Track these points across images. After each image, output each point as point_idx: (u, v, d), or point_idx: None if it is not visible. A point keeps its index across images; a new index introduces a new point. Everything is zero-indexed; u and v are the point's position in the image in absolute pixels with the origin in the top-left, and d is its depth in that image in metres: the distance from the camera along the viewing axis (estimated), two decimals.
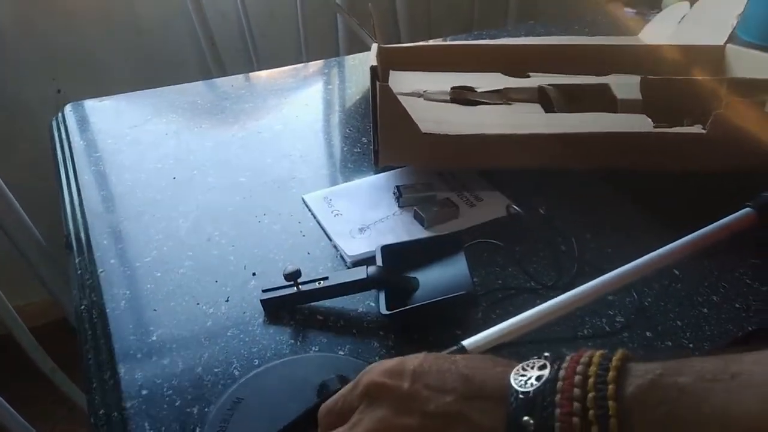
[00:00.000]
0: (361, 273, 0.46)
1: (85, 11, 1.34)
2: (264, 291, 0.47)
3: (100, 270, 0.52)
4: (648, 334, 0.45)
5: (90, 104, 0.84)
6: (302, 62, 1.13)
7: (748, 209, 0.46)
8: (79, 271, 0.54)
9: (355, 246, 0.53)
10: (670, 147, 0.56)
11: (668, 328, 0.45)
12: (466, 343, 0.37)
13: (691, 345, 0.44)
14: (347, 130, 0.78)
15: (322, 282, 0.46)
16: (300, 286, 0.46)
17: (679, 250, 0.44)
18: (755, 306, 0.47)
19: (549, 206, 0.58)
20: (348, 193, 0.62)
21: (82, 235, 0.57)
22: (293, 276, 0.45)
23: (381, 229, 0.56)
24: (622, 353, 0.26)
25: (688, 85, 0.66)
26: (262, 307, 0.47)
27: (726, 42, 0.75)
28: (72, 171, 0.67)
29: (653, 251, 0.44)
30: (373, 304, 0.47)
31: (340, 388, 0.33)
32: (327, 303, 0.47)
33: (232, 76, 0.97)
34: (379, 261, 0.48)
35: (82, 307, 0.50)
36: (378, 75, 0.55)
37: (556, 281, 0.49)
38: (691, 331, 0.45)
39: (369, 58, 0.63)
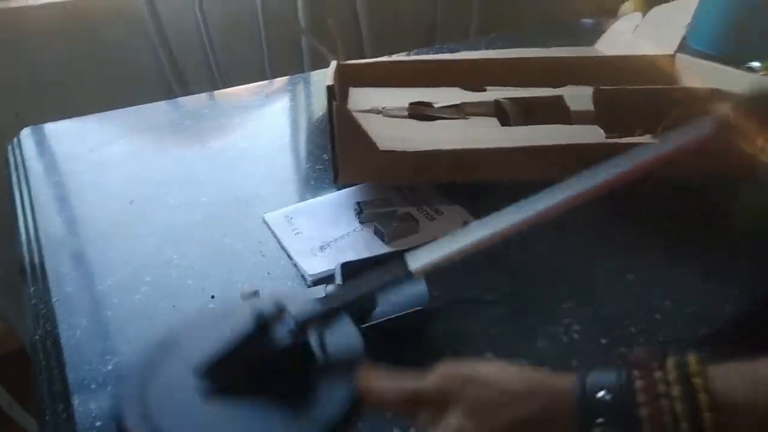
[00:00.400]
0: (319, 292, 0.45)
1: (42, 32, 1.32)
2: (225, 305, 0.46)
3: (55, 299, 0.51)
4: (603, 341, 0.46)
5: (49, 127, 0.83)
6: (267, 79, 1.13)
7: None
8: (33, 301, 0.53)
9: (316, 264, 0.53)
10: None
11: (623, 334, 0.46)
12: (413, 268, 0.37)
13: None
14: (310, 147, 0.78)
15: None
16: None
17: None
18: (707, 311, 0.48)
19: None
20: (309, 211, 0.62)
21: (37, 262, 0.56)
22: (251, 297, 0.45)
23: (342, 246, 0.56)
24: (694, 355, 0.27)
25: (639, 95, 0.67)
26: None
27: (676, 51, 0.77)
28: (27, 196, 0.66)
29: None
30: None
31: (277, 313, 0.33)
32: None
33: (194, 96, 0.96)
34: (338, 279, 0.48)
35: (36, 337, 0.49)
36: (334, 95, 0.55)
37: (510, 292, 0.50)
38: (645, 336, 0.46)
39: (327, 76, 0.64)
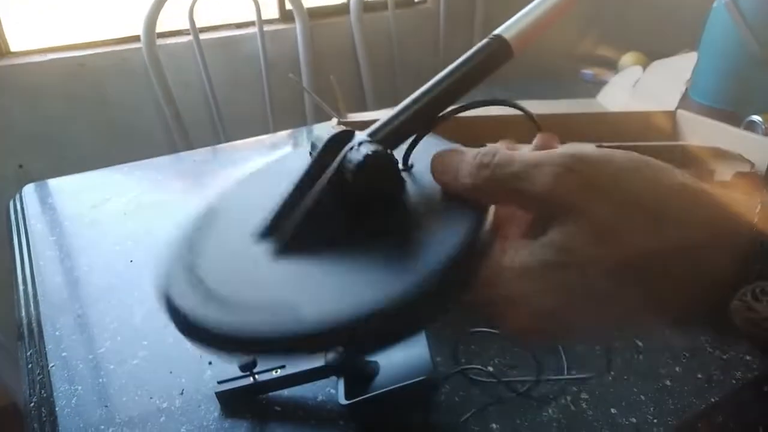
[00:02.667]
0: (319, 360, 0.44)
1: (47, 86, 1.35)
2: (219, 382, 0.45)
3: (51, 364, 0.50)
4: (613, 410, 0.44)
5: (52, 183, 0.83)
6: (270, 132, 1.14)
7: None
8: (29, 365, 0.52)
9: None
10: None
11: (632, 403, 0.45)
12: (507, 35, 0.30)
13: (655, 420, 0.43)
14: None
15: (279, 371, 0.45)
16: (256, 376, 0.44)
17: None
18: (716, 376, 0.47)
19: None
20: None
21: (35, 326, 0.55)
22: (248, 366, 0.44)
23: None
24: None
25: (640, 152, 0.67)
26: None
27: (677, 107, 0.78)
28: (27, 257, 0.66)
29: None
30: (333, 391, 0.46)
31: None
32: (286, 392, 0.46)
33: (196, 150, 0.97)
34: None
35: (32, 404, 0.48)
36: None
37: (517, 359, 0.49)
38: (655, 405, 0.44)
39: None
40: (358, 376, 0.45)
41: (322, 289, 0.26)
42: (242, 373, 0.45)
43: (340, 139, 0.29)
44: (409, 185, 0.31)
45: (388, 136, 0.30)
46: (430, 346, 0.45)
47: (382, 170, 0.28)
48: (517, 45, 0.31)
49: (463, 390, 0.46)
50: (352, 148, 0.28)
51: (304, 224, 0.28)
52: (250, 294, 0.26)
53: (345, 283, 0.26)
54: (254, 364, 0.44)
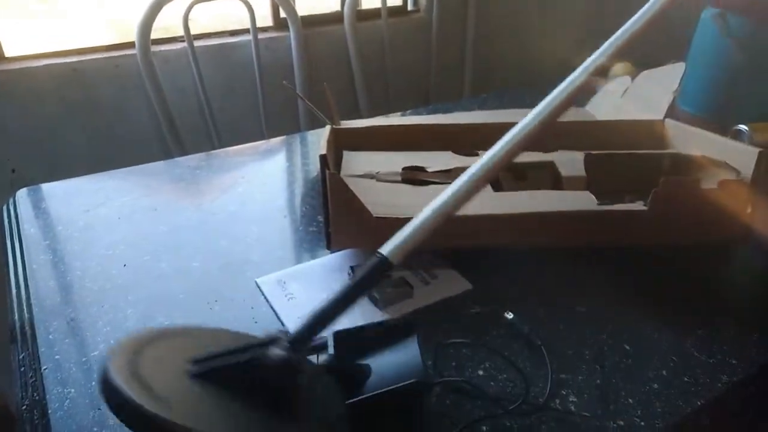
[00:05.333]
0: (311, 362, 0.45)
1: (41, 92, 1.35)
2: None
3: (44, 367, 0.50)
4: (599, 412, 0.45)
5: (45, 188, 0.84)
6: (264, 138, 1.14)
7: None
8: (22, 368, 0.52)
9: None
10: (613, 224, 0.58)
11: (620, 406, 0.45)
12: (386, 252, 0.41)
13: (642, 423, 0.44)
14: (304, 209, 0.79)
15: None
16: None
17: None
18: (702, 380, 0.48)
19: (502, 282, 0.59)
20: (302, 275, 0.62)
21: (27, 329, 0.55)
22: None
23: None
24: None
25: (629, 160, 0.68)
26: None
27: (665, 116, 0.79)
28: (20, 261, 0.66)
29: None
30: None
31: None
32: None
33: (190, 156, 0.97)
34: (330, 349, 0.47)
35: (24, 407, 0.48)
36: (327, 164, 0.56)
37: (506, 363, 0.49)
38: (643, 409, 0.45)
39: (321, 141, 0.65)
40: (351, 379, 0.45)
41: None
42: None
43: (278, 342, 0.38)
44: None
45: (304, 337, 0.40)
46: (422, 350, 0.46)
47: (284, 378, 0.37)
48: (396, 257, 0.41)
49: (455, 394, 0.47)
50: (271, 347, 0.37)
51: (222, 370, 0.37)
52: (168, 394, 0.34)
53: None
54: None
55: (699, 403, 0.46)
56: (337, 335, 0.49)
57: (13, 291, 0.62)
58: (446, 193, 0.43)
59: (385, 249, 0.41)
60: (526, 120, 0.45)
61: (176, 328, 0.45)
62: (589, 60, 0.44)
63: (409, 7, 1.92)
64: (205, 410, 0.35)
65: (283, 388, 0.37)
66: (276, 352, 0.37)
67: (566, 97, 0.45)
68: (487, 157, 0.44)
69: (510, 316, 0.54)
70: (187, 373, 0.37)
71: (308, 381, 0.40)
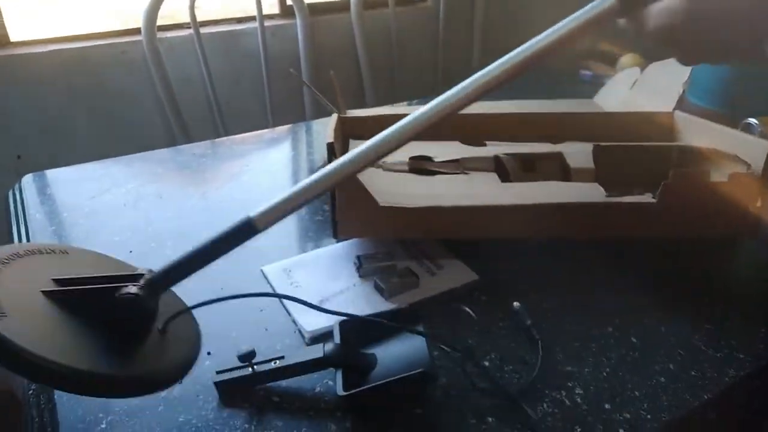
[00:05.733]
0: (317, 351, 0.45)
1: (46, 78, 1.35)
2: (218, 372, 0.46)
3: None
4: (607, 406, 0.45)
5: (50, 174, 0.84)
6: (268, 126, 1.14)
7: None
8: None
9: (314, 320, 0.53)
10: (621, 216, 0.58)
11: (626, 399, 0.45)
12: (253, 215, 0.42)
13: (649, 416, 0.44)
14: None
15: (277, 362, 0.45)
16: (255, 367, 0.45)
17: (547, 46, 0.42)
18: (710, 374, 0.47)
19: (509, 273, 0.59)
20: (308, 264, 0.62)
21: None
22: (248, 357, 0.44)
23: (341, 301, 0.56)
24: None
25: (638, 152, 0.68)
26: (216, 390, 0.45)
27: (674, 108, 0.79)
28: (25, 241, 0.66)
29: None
30: (331, 383, 0.46)
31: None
32: (284, 383, 0.46)
33: (196, 143, 0.97)
34: (336, 338, 0.47)
35: (30, 392, 0.48)
36: (335, 152, 0.56)
37: (513, 355, 0.49)
38: (649, 402, 0.45)
39: (327, 130, 0.64)
40: (356, 369, 0.45)
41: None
42: (241, 364, 0.45)
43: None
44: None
45: (159, 282, 0.42)
46: (428, 339, 0.46)
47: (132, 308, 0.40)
48: (262, 222, 0.43)
49: (460, 384, 0.47)
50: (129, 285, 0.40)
51: (76, 298, 0.40)
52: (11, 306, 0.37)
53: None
54: (253, 354, 0.44)
55: (706, 397, 0.46)
56: (343, 325, 0.49)
57: None
58: (334, 164, 0.43)
59: (255, 212, 0.42)
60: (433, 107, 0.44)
61: (60, 246, 0.48)
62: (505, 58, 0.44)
63: None
64: (43, 326, 0.38)
65: (129, 322, 0.41)
66: (130, 288, 0.40)
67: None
68: (387, 132, 0.45)
69: (517, 305, 0.53)
70: (44, 291, 0.40)
71: (152, 321, 0.42)
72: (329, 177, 0.43)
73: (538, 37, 0.42)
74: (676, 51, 0.44)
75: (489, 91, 0.43)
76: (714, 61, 0.47)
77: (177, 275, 0.43)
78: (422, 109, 0.43)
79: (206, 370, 0.47)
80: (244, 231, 0.43)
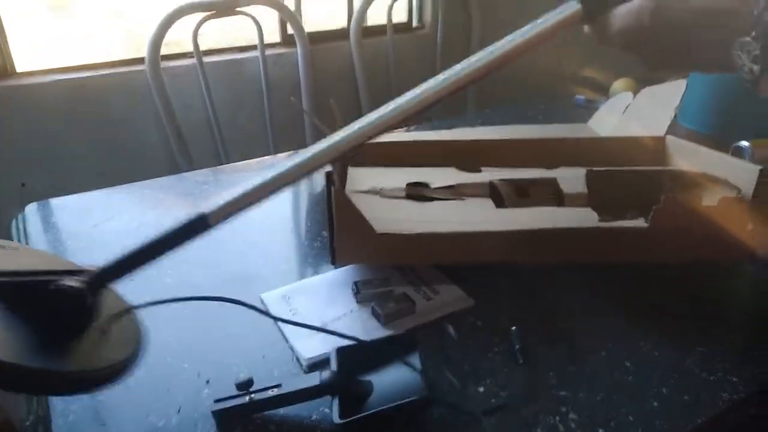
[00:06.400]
0: (314, 379, 0.46)
1: (50, 103, 1.37)
2: (216, 401, 0.46)
3: None
4: (600, 431, 0.45)
5: (54, 203, 0.85)
6: (270, 152, 1.16)
7: (573, 3, 0.45)
8: None
9: (312, 347, 0.53)
10: (614, 241, 0.59)
11: (620, 423, 0.46)
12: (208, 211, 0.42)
13: None
14: (309, 223, 0.80)
15: (275, 390, 0.46)
16: (253, 395, 0.45)
17: (510, 50, 0.45)
18: (703, 398, 0.48)
19: (504, 297, 0.59)
20: (306, 290, 0.62)
21: None
22: (245, 385, 0.45)
23: (339, 327, 0.56)
24: None
25: (630, 177, 0.69)
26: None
27: (666, 133, 0.80)
28: None
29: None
30: (327, 410, 0.47)
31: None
32: (281, 410, 0.47)
33: (197, 171, 0.98)
34: (333, 365, 0.48)
35: (28, 423, 0.49)
36: (333, 180, 0.57)
37: (506, 381, 0.50)
38: (643, 427, 0.45)
39: None
40: (353, 396, 0.46)
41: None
42: (239, 392, 0.45)
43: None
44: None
45: (103, 277, 0.43)
46: (423, 366, 0.46)
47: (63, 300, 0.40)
48: (215, 218, 0.43)
49: (454, 409, 0.47)
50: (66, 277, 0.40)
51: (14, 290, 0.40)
52: None
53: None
54: (251, 382, 0.45)
55: (699, 421, 0.46)
56: (340, 351, 0.49)
57: None
58: (284, 166, 0.45)
59: (208, 207, 0.43)
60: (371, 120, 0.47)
61: (13, 243, 0.50)
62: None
63: (414, 24, 1.94)
64: None
65: (64, 316, 0.40)
66: (66, 281, 0.40)
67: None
68: (324, 144, 0.47)
69: (514, 329, 0.54)
70: None
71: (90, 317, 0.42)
72: (283, 177, 0.45)
73: (505, 40, 0.44)
74: (640, 54, 0.44)
75: (461, 87, 0.48)
76: (679, 67, 0.47)
77: (120, 271, 0.43)
78: (380, 110, 0.47)
79: (204, 398, 0.48)
80: (197, 226, 0.43)
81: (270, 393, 0.45)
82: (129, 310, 0.46)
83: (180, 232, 0.42)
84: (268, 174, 0.44)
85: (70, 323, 0.41)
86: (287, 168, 0.45)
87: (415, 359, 0.48)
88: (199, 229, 0.43)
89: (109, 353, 0.42)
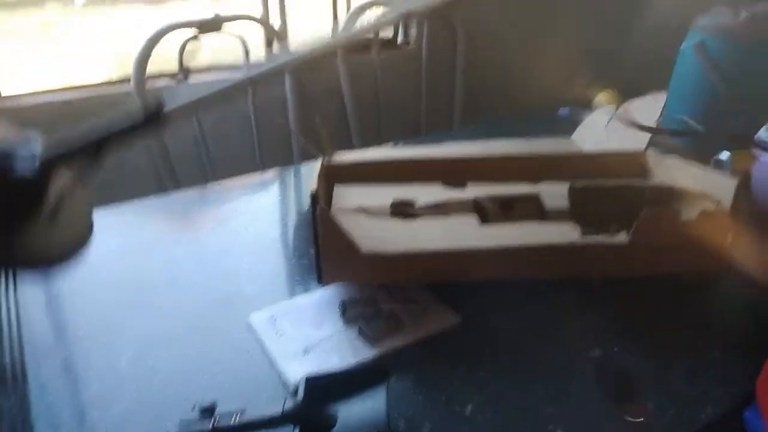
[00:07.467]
0: (277, 407, 0.45)
1: (36, 125, 1.36)
2: (180, 424, 0.45)
3: (35, 411, 0.51)
4: None
5: None
6: (258, 169, 1.16)
7: None
8: (12, 412, 0.52)
9: (298, 369, 0.53)
10: (596, 256, 0.59)
11: None
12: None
13: None
14: (296, 241, 0.80)
15: (239, 416, 0.45)
16: (216, 421, 0.45)
17: None
18: (687, 411, 0.48)
19: (490, 314, 0.60)
20: (293, 311, 0.62)
21: (18, 372, 0.56)
22: (209, 410, 0.45)
23: (326, 348, 0.56)
24: None
25: (612, 191, 0.70)
26: None
27: (647, 147, 0.81)
28: (12, 299, 0.66)
29: None
30: None
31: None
32: None
33: (185, 191, 0.99)
34: (300, 393, 0.47)
35: None
36: (317, 200, 0.57)
37: (489, 398, 0.50)
38: None
39: (312, 177, 0.66)
40: (314, 427, 0.46)
41: None
42: (202, 418, 0.45)
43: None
44: None
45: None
46: (388, 400, 0.46)
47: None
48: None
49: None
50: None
51: None
52: None
53: None
54: (214, 407, 0.45)
55: None
56: (309, 381, 0.49)
57: (5, 332, 0.62)
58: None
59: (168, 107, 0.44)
60: None
61: None
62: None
63: (399, 40, 1.96)
64: None
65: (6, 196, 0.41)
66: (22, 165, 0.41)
67: None
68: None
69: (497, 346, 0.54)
70: None
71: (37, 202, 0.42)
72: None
73: None
74: None
75: None
76: None
77: (70, 152, 0.44)
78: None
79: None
80: (152, 118, 0.45)
81: (233, 420, 0.45)
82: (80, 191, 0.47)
83: (135, 124, 0.45)
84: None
85: (12, 204, 0.41)
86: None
87: (381, 392, 0.47)
88: (153, 123, 0.44)
89: (54, 238, 0.43)
